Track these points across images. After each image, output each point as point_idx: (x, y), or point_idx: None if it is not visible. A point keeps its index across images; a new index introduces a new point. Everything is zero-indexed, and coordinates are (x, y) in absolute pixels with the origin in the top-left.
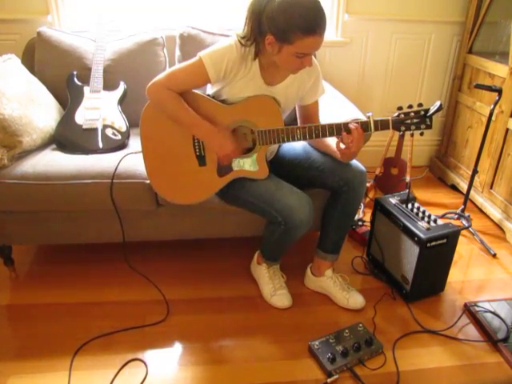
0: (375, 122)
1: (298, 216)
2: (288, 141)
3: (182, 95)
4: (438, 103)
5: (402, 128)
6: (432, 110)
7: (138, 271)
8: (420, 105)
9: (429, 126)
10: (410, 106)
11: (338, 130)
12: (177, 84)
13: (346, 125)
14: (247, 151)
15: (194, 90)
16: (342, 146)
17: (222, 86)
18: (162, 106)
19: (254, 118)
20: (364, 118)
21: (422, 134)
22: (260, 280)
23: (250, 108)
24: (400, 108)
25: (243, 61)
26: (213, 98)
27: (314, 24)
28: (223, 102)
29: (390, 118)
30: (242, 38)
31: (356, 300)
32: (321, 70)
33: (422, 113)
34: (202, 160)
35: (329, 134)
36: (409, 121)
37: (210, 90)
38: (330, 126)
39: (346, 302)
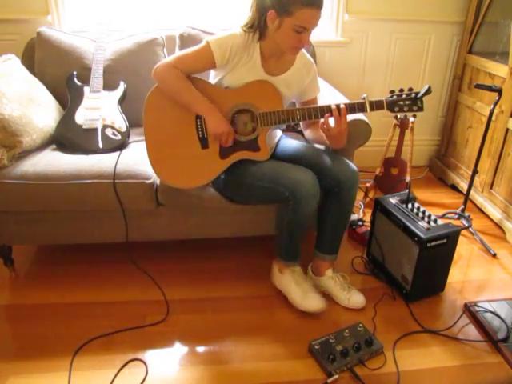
0: (370, 102)
1: (305, 187)
2: (288, 122)
3: None
4: (426, 86)
5: (396, 109)
6: (421, 92)
7: (142, 269)
8: (410, 89)
9: (420, 109)
10: (402, 90)
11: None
12: (184, 66)
13: (338, 105)
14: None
15: (197, 76)
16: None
17: (224, 74)
18: (168, 84)
19: (256, 101)
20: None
21: (414, 116)
22: (287, 288)
23: (252, 91)
24: (392, 91)
25: (246, 47)
26: None
27: None
28: (226, 88)
29: (384, 98)
30: (245, 25)
31: (357, 299)
32: (317, 70)
33: (413, 95)
34: (204, 142)
35: (327, 112)
36: (401, 102)
37: (213, 79)
38: (328, 106)
39: (347, 301)
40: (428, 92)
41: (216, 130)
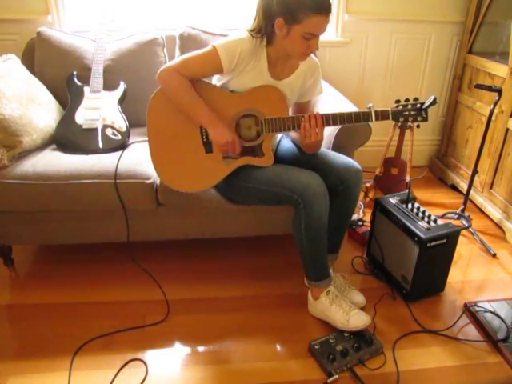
0: (376, 112)
1: (312, 188)
2: (293, 129)
3: (191, 83)
4: (432, 97)
5: (401, 119)
6: (427, 103)
7: (143, 269)
8: (416, 99)
9: (425, 119)
10: (407, 100)
11: (342, 119)
12: (189, 71)
13: (349, 114)
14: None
15: (203, 79)
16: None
17: (230, 78)
18: (171, 90)
19: (261, 106)
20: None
21: (418, 126)
22: (327, 313)
23: (257, 97)
24: (398, 101)
25: (254, 53)
26: None
27: (321, 4)
28: (231, 92)
29: (389, 108)
30: (252, 30)
31: (356, 300)
32: (321, 71)
33: (418, 105)
34: (208, 147)
35: (332, 122)
36: (406, 112)
37: (218, 82)
38: (334, 115)
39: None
40: (433, 103)
41: (219, 140)
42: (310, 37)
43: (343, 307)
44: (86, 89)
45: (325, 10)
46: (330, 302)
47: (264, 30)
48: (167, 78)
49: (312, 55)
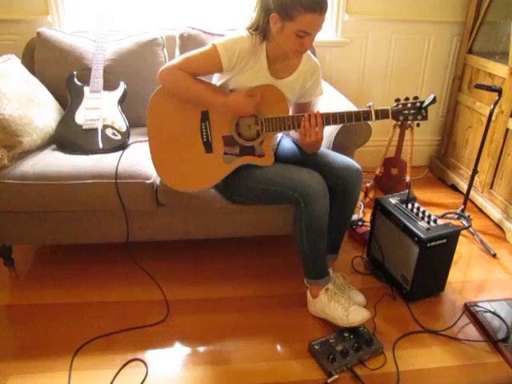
0: (376, 111)
1: (314, 187)
2: (293, 128)
3: None
4: (431, 96)
5: (401, 118)
6: (426, 102)
7: (143, 269)
8: (416, 97)
9: (424, 118)
10: (407, 99)
11: (342, 118)
12: (190, 68)
13: (349, 113)
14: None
15: (202, 79)
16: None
17: (230, 77)
18: (176, 86)
19: (260, 105)
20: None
21: (418, 124)
22: (326, 311)
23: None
24: (398, 100)
25: (253, 51)
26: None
27: (315, 2)
28: (230, 91)
29: (389, 107)
30: (251, 27)
31: (357, 300)
32: (321, 72)
33: (418, 104)
34: (208, 146)
35: (332, 122)
36: (406, 111)
37: (218, 81)
38: (334, 114)
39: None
40: (433, 101)
41: (246, 114)
42: (303, 34)
43: (342, 303)
44: (86, 89)
45: (319, 8)
46: (328, 299)
47: (261, 26)
48: (169, 76)
49: (312, 55)
